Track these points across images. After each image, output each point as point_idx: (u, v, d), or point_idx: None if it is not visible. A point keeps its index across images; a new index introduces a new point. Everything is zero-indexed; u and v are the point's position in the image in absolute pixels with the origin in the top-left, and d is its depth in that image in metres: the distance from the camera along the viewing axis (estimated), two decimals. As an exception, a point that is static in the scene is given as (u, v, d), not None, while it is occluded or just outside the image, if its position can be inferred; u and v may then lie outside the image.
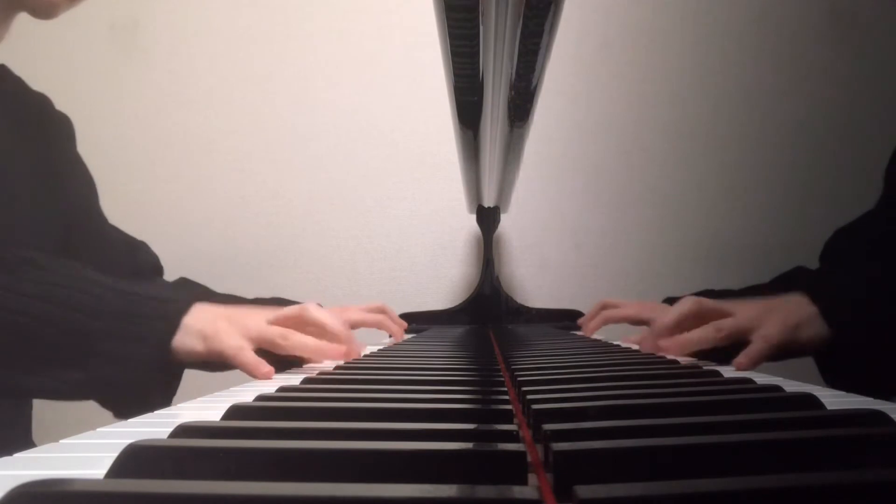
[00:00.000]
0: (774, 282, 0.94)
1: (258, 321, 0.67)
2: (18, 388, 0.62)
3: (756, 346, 0.63)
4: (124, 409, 0.65)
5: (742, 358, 0.62)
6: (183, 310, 0.63)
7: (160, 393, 0.63)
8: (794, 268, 0.96)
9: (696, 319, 0.69)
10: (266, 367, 0.62)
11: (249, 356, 0.63)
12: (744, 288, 0.92)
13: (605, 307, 1.01)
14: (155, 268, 0.97)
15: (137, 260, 0.94)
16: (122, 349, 0.59)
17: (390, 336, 0.97)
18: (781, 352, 0.64)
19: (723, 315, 0.67)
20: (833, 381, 0.67)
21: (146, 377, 0.60)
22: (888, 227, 0.86)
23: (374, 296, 1.36)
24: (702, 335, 0.66)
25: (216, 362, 0.64)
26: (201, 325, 0.63)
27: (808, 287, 0.67)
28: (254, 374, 0.62)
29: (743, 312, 0.67)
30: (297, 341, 0.66)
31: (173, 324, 0.61)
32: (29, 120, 0.84)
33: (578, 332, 1.12)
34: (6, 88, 0.83)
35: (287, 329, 0.67)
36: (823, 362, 0.69)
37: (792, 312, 0.65)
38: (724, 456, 0.23)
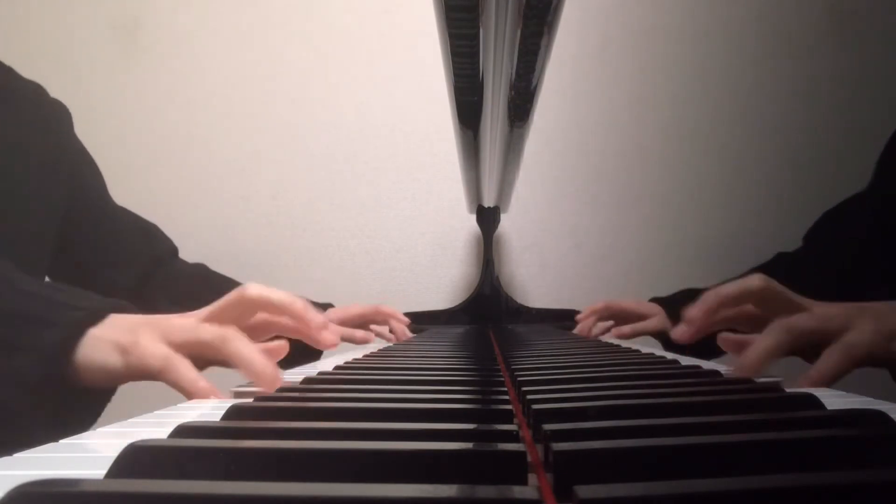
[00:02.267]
0: (753, 272, 0.93)
1: (187, 321, 0.51)
2: None
3: (834, 357, 0.49)
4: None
5: (814, 371, 0.49)
6: (88, 318, 0.47)
7: (52, 424, 0.47)
8: (775, 255, 0.96)
9: (759, 302, 0.57)
10: (204, 381, 0.47)
11: (181, 368, 0.47)
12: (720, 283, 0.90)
13: (608, 307, 1.01)
14: (170, 250, 0.96)
15: (151, 244, 0.93)
16: (5, 359, 0.45)
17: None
18: (869, 363, 0.51)
19: (793, 308, 0.53)
20: None
21: (25, 399, 0.45)
22: (877, 211, 0.85)
23: (375, 296, 1.36)
24: (770, 343, 0.51)
25: (143, 379, 0.49)
26: (116, 334, 0.47)
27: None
28: (188, 393, 0.46)
29: (822, 309, 0.53)
30: (235, 348, 0.49)
31: (72, 333, 0.46)
32: (23, 109, 0.83)
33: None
34: None
35: (226, 328, 0.50)
36: None
37: (887, 316, 0.52)
38: (724, 456, 0.23)
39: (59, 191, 0.84)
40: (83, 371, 0.46)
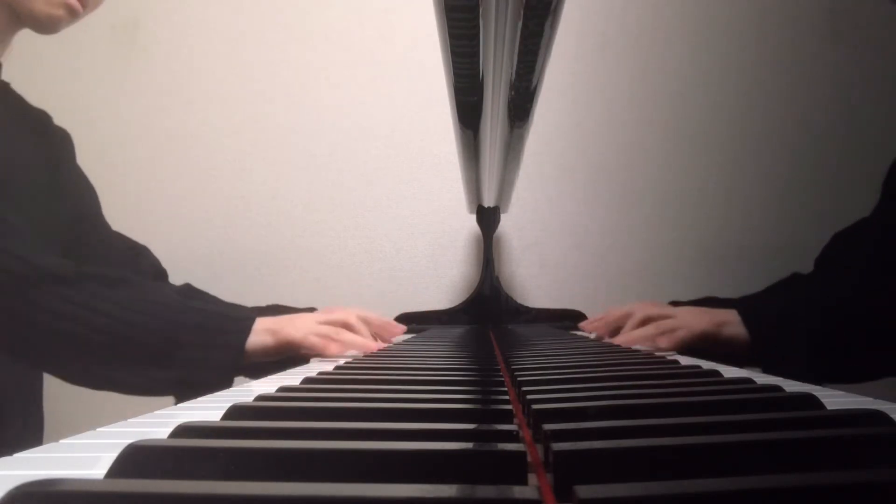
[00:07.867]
0: (771, 288, 0.94)
1: (309, 320, 0.82)
2: (116, 383, 0.76)
3: (679, 333, 0.81)
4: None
5: (663, 339, 0.80)
6: (251, 325, 0.78)
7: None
8: (791, 274, 0.96)
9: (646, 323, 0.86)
10: (334, 343, 0.78)
11: (314, 339, 0.78)
12: (741, 297, 0.93)
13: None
14: (156, 272, 1.01)
15: (140, 265, 0.99)
16: (205, 355, 0.74)
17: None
18: (706, 341, 0.81)
19: (666, 318, 0.85)
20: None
21: (222, 377, 0.75)
22: (883, 236, 0.87)
23: (375, 296, 1.36)
24: (643, 333, 0.84)
25: (284, 352, 0.78)
26: (268, 324, 0.79)
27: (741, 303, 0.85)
28: (324, 352, 0.77)
29: (683, 313, 0.85)
30: (348, 338, 0.80)
31: (245, 334, 0.77)
32: (32, 135, 0.88)
33: (578, 332, 1.12)
34: (10, 106, 0.87)
35: (336, 328, 0.81)
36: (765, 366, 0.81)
37: (720, 314, 0.83)
38: (724, 456, 0.23)
39: (62, 215, 0.90)
40: (249, 354, 0.77)
